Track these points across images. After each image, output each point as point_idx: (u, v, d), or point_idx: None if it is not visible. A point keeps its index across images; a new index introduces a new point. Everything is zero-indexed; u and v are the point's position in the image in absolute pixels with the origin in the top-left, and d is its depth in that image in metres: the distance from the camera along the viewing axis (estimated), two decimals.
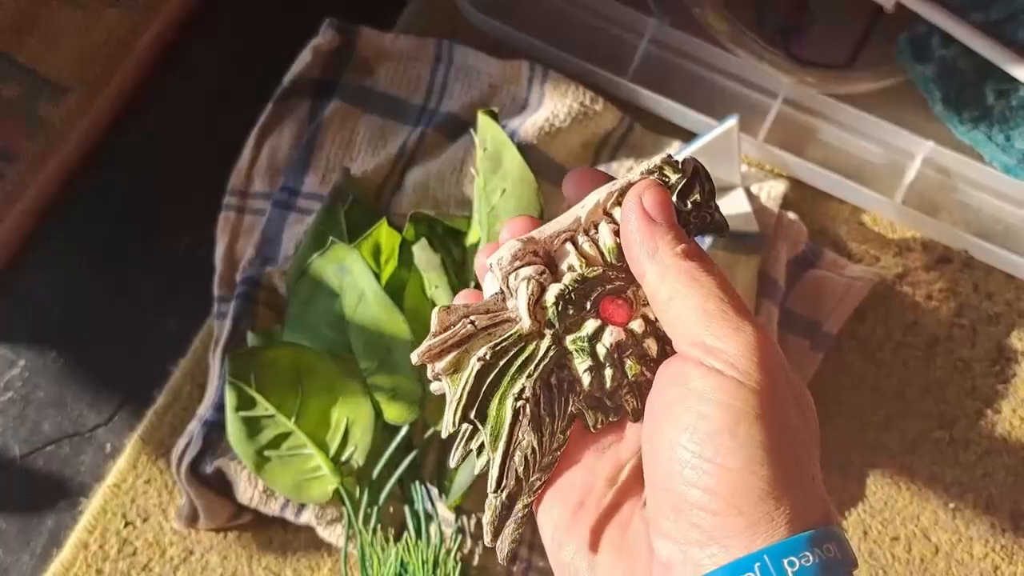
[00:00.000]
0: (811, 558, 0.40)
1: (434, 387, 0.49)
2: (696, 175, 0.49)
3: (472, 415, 0.47)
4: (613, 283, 0.48)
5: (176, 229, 0.98)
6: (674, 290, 0.45)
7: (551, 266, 0.48)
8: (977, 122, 0.95)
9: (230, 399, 0.81)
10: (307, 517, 0.87)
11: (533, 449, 0.47)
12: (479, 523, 0.86)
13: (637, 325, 0.47)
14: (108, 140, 1.00)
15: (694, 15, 0.97)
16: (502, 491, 0.47)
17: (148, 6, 0.99)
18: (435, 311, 0.47)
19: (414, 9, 1.03)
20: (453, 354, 0.47)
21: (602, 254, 0.48)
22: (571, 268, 0.48)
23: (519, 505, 0.47)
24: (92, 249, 0.98)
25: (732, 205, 0.92)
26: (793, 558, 0.40)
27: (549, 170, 0.96)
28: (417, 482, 0.85)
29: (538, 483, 0.47)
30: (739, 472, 0.41)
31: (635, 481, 0.48)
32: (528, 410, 0.46)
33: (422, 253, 0.81)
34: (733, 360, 0.42)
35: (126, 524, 0.90)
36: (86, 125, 0.98)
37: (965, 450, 0.93)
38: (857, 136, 0.99)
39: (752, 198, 0.94)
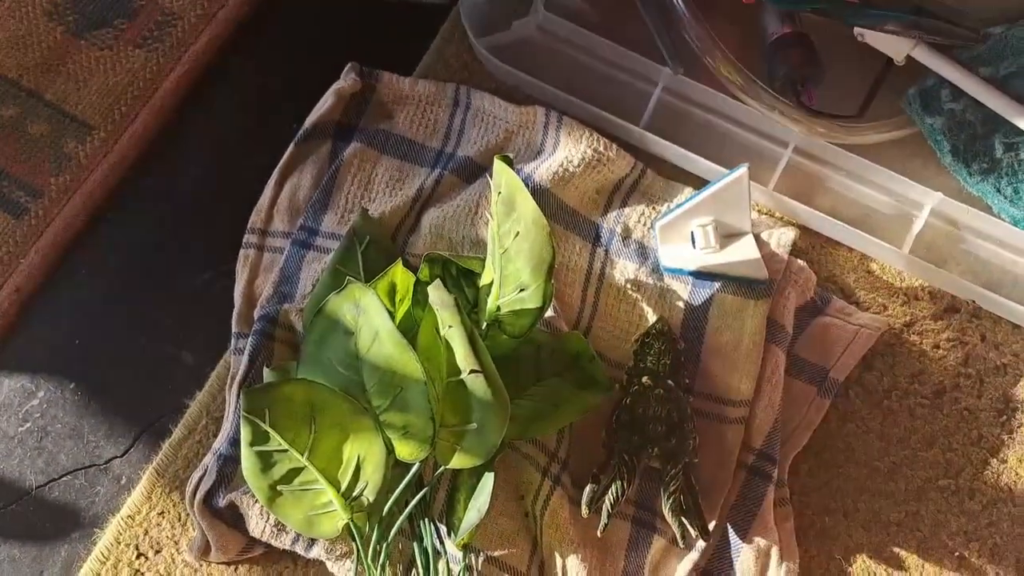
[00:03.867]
0: None
1: None
2: None
3: None
4: None
5: (196, 266, 1.00)
6: None
7: None
8: (986, 174, 0.97)
9: (245, 433, 0.83)
10: (317, 551, 0.88)
11: None
12: (486, 560, 0.87)
13: None
14: (132, 177, 1.03)
15: (707, 65, 0.99)
16: None
17: (173, 48, 1.02)
18: None
19: (433, 55, 1.06)
20: None
21: None
22: None
23: None
24: (113, 283, 1.00)
25: (742, 251, 0.94)
26: None
27: (562, 214, 0.98)
28: (426, 519, 0.86)
29: None
30: None
31: None
32: None
33: (436, 293, 0.82)
34: None
35: (139, 555, 0.91)
36: (111, 162, 1.01)
37: (971, 499, 0.94)
38: (866, 186, 1.00)
39: (762, 244, 0.95)
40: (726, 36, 0.99)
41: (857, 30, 0.98)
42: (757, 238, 0.95)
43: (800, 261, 0.97)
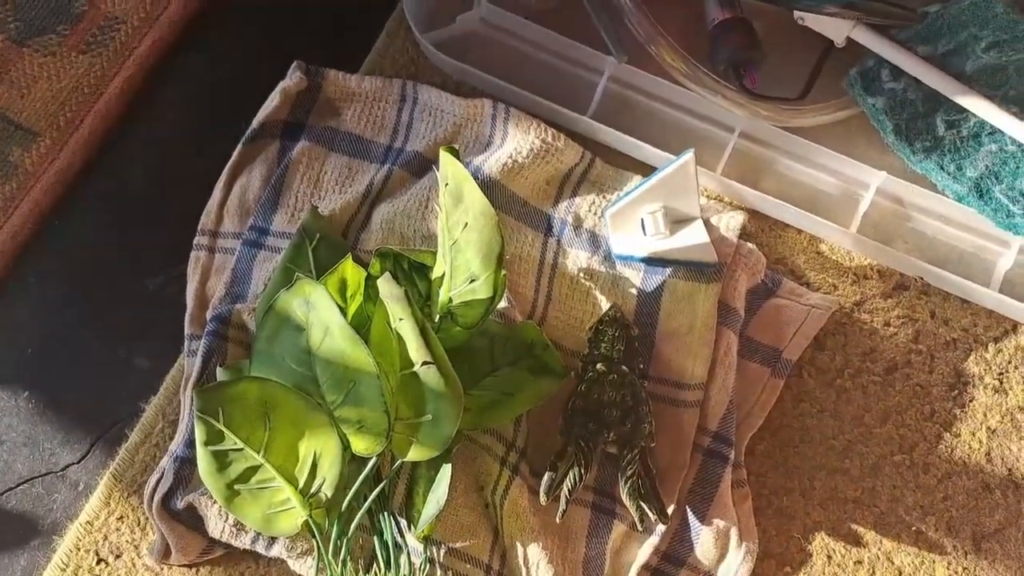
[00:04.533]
0: None
1: None
2: None
3: None
4: None
5: (147, 269, 1.00)
6: None
7: None
8: (929, 152, 0.98)
9: (199, 433, 0.82)
10: (278, 550, 0.88)
11: None
12: (448, 552, 0.87)
13: None
14: (79, 183, 1.02)
15: (650, 53, 1.00)
16: None
17: (117, 52, 1.01)
18: None
19: (379, 51, 1.06)
20: None
21: None
22: None
23: None
24: (64, 289, 1.00)
25: (691, 236, 0.95)
26: None
27: (513, 205, 0.98)
28: (386, 513, 0.86)
29: None
30: None
31: None
32: None
33: (386, 286, 0.82)
34: None
35: (99, 561, 0.91)
36: (57, 169, 1.00)
37: (925, 473, 0.95)
38: (812, 168, 1.02)
39: (711, 229, 0.96)
40: (669, 23, 1.00)
41: (797, 13, 0.99)
42: (706, 223, 0.96)
43: (750, 244, 0.98)
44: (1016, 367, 0.97)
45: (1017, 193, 0.96)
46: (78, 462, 0.95)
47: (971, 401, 0.97)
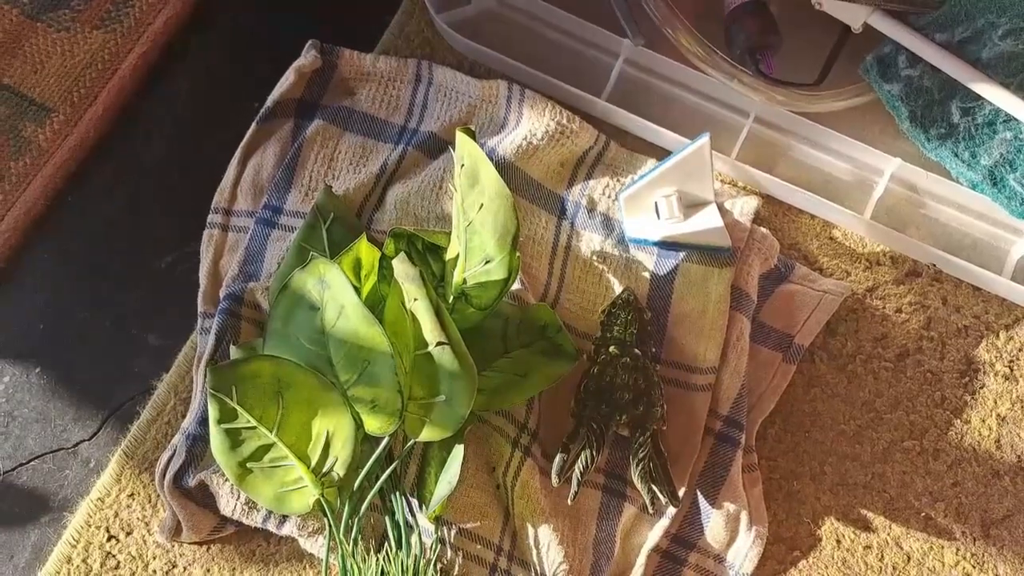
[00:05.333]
0: None
1: None
2: None
3: None
4: None
5: (160, 247, 1.00)
6: None
7: None
8: (943, 139, 0.98)
9: (212, 411, 0.83)
10: (289, 528, 0.88)
11: None
12: (459, 533, 0.88)
13: None
14: (93, 159, 1.02)
15: (667, 37, 1.00)
16: None
17: (131, 28, 1.01)
18: None
19: (394, 31, 1.06)
20: None
21: None
22: None
23: None
24: (77, 266, 1.00)
25: (705, 221, 0.94)
26: None
27: (527, 188, 0.98)
28: (397, 493, 0.86)
29: None
30: None
31: None
32: None
33: (401, 266, 0.82)
34: None
35: (109, 538, 0.91)
36: (71, 144, 1.00)
37: (935, 460, 0.95)
38: (827, 153, 1.01)
39: (725, 213, 0.96)
40: (686, 6, 1.00)
41: None
42: (720, 207, 0.96)
43: (763, 229, 0.98)
44: None
45: None
46: (90, 439, 0.95)
47: (981, 388, 0.97)
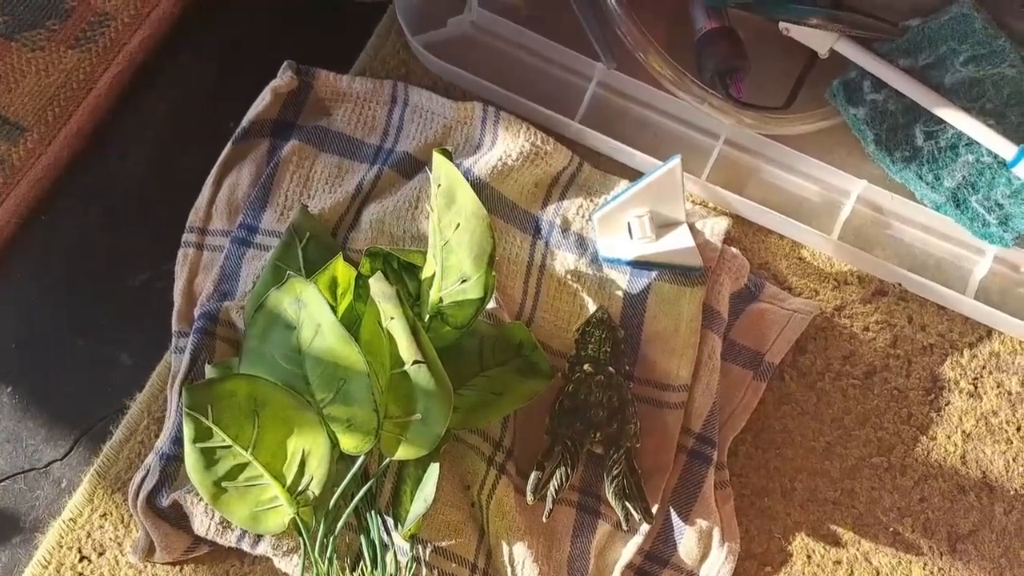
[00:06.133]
0: None
1: None
2: None
3: None
4: None
5: (134, 266, 1.00)
6: None
7: None
8: (908, 162, 1.00)
9: (187, 430, 0.82)
10: (264, 547, 0.88)
11: None
12: (434, 551, 0.88)
13: None
14: (66, 178, 1.02)
15: (639, 60, 1.01)
16: None
17: (106, 48, 1.01)
18: None
19: (370, 53, 1.06)
20: None
21: None
22: None
23: None
24: (50, 285, 0.99)
25: (677, 241, 0.96)
26: None
27: (502, 208, 0.99)
28: (372, 512, 0.87)
29: None
30: None
31: None
32: None
33: (377, 284, 0.83)
34: None
35: (81, 559, 0.90)
36: (44, 164, 1.00)
37: (903, 475, 0.97)
38: (795, 175, 1.03)
39: (696, 234, 0.98)
40: (657, 31, 1.01)
41: (783, 25, 1.01)
42: (691, 227, 0.97)
43: (733, 249, 0.99)
44: (990, 372, 0.99)
45: (993, 203, 0.99)
46: (61, 459, 0.94)
47: (947, 405, 0.99)
